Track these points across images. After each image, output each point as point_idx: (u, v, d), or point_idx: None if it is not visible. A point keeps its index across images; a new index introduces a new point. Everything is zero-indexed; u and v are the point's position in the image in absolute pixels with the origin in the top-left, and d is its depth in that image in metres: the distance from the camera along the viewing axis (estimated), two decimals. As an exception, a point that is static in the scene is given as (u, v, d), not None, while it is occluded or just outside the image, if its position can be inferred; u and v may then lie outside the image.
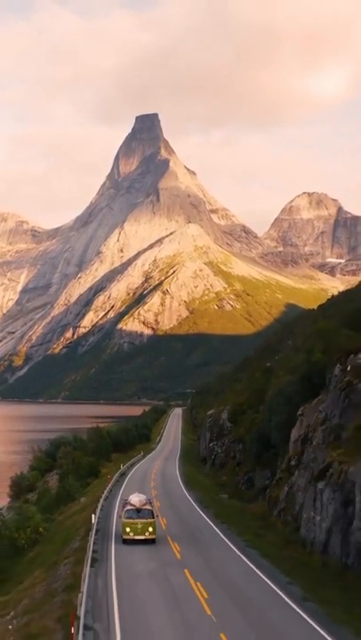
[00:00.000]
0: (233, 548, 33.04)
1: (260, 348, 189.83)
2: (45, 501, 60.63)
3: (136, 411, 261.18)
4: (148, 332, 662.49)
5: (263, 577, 26.99)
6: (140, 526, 33.75)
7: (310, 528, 31.00)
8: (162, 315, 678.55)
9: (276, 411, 51.08)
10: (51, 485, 75.86)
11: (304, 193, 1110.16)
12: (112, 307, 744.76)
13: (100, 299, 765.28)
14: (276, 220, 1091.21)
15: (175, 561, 30.09)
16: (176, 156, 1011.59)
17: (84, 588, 22.90)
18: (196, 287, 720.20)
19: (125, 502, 35.85)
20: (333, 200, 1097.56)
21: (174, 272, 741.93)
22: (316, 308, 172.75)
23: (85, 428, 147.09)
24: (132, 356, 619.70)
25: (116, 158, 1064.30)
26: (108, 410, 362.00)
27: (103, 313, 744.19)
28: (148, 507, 34.82)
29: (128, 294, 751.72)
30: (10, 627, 22.66)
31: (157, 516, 36.14)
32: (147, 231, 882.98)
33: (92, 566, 27.58)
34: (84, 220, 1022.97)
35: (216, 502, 50.42)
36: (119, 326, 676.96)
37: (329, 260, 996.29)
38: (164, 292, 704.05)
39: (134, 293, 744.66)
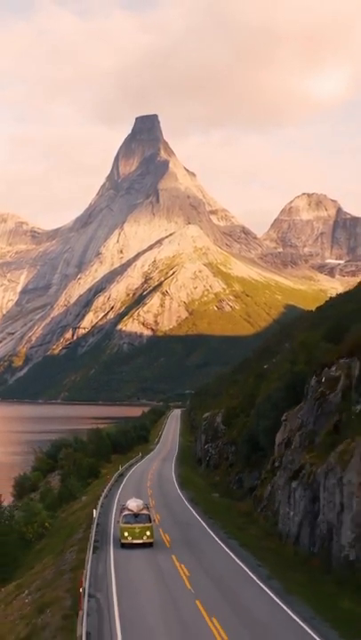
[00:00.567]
0: (216, 538, 37.58)
1: (258, 349, 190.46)
2: (49, 500, 64.59)
3: (135, 411, 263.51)
4: (147, 332, 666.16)
5: (238, 561, 31.75)
6: (137, 531, 34.88)
7: (286, 522, 35.14)
8: (161, 316, 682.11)
9: (264, 415, 54.68)
10: (53, 485, 79.46)
11: (304, 194, 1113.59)
12: (112, 307, 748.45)
13: (100, 300, 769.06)
14: (275, 220, 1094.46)
15: (165, 548, 34.69)
16: (176, 157, 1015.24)
17: (88, 567, 27.89)
18: (195, 288, 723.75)
19: (123, 507, 36.81)
20: (333, 201, 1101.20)
21: (174, 273, 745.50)
22: (314, 309, 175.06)
23: (85, 429, 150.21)
24: (131, 356, 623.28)
25: (116, 159, 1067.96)
26: (107, 411, 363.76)
27: (103, 314, 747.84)
28: (145, 511, 35.91)
29: (128, 295, 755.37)
30: (26, 600, 27.11)
31: (154, 520, 37.47)
32: (146, 232, 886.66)
33: (93, 552, 32.32)
34: (84, 220, 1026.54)
35: (207, 501, 54.50)
36: (119, 327, 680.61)
37: (328, 260, 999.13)
38: (163, 293, 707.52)
39: (134, 294, 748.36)
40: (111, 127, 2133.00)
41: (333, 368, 38.90)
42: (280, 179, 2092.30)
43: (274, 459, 47.51)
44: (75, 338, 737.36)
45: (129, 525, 35.09)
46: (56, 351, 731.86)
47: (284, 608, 24.04)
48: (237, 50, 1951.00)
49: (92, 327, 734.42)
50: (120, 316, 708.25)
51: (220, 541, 36.69)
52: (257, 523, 41.35)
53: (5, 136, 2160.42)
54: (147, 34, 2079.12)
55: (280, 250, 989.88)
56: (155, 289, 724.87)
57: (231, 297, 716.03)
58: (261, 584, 27.43)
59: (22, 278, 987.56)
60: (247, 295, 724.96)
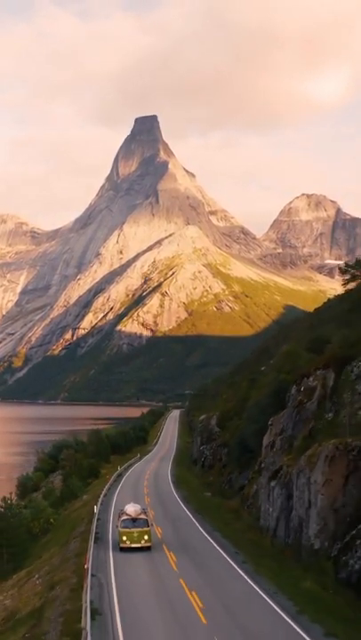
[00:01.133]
0: (202, 531, 42.39)
1: (257, 350, 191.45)
2: (52, 499, 68.78)
3: (135, 412, 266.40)
4: (147, 333, 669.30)
5: (218, 549, 36.77)
6: (136, 535, 36.24)
7: (266, 517, 39.31)
8: (161, 316, 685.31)
9: (254, 419, 58.58)
10: (55, 485, 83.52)
11: (303, 194, 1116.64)
12: (111, 308, 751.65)
13: (100, 300, 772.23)
14: (274, 221, 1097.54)
15: (156, 539, 39.15)
16: (175, 158, 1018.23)
17: (90, 552, 33.00)
18: (194, 289, 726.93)
19: (121, 512, 38.29)
20: (332, 202, 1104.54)
21: (173, 274, 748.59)
22: (313, 310, 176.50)
23: (85, 430, 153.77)
24: (131, 357, 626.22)
25: (116, 160, 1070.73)
26: (107, 411, 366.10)
27: (102, 314, 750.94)
28: (143, 516, 37.36)
29: (127, 296, 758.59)
30: (37, 582, 31.53)
31: (152, 524, 39.26)
32: (146, 233, 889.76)
33: (95, 542, 36.97)
34: (84, 221, 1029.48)
35: (199, 499, 58.78)
36: (118, 328, 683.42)
37: (328, 261, 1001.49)
38: (162, 294, 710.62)
39: (133, 295, 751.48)
40: (111, 128, 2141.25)
41: (311, 378, 43.00)
42: (279, 179, 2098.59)
43: (261, 460, 51.55)
44: (74, 338, 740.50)
45: (127, 530, 36.43)
46: (56, 352, 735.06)
47: (253, 585, 28.86)
48: (237, 51, 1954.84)
49: (92, 328, 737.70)
50: (119, 317, 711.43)
51: (205, 533, 41.27)
52: (242, 518, 45.51)
53: (6, 138, 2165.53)
54: (147, 35, 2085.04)
55: (279, 250, 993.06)
56: (154, 290, 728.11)
57: (230, 297, 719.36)
58: (236, 567, 32.32)
59: (22, 279, 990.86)
60: (246, 296, 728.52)
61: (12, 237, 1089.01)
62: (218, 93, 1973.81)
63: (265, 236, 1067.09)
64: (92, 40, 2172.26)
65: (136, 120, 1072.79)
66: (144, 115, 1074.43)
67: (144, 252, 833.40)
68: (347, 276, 68.80)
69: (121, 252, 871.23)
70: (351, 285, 69.98)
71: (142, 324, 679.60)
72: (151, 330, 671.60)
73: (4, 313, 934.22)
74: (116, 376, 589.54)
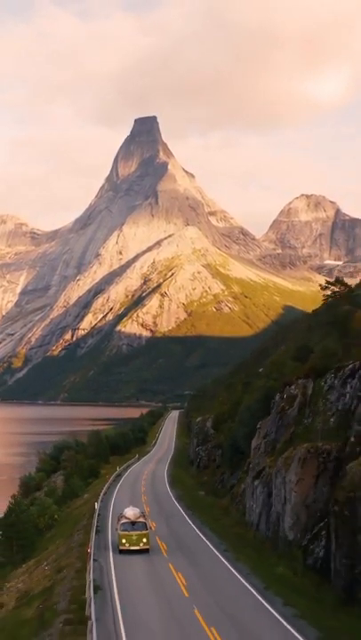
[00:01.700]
0: (192, 525, 46.98)
1: (256, 351, 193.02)
2: (54, 498, 72.88)
3: (135, 413, 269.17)
4: (146, 334, 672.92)
5: (205, 539, 41.54)
6: (134, 538, 37.57)
7: (250, 513, 43.47)
8: (160, 317, 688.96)
9: (245, 423, 62.59)
10: (57, 485, 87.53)
11: (302, 195, 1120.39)
12: (111, 309, 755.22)
13: (99, 301, 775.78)
14: (274, 222, 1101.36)
15: (150, 532, 43.05)
16: (175, 159, 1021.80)
17: (92, 541, 37.92)
18: (194, 289, 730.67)
19: (121, 516, 39.55)
20: (332, 202, 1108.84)
21: (173, 274, 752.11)
22: (312, 312, 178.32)
23: (85, 431, 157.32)
24: (130, 357, 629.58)
25: (115, 161, 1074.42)
26: (106, 412, 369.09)
27: (102, 315, 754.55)
28: (141, 519, 38.64)
29: (127, 296, 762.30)
30: (46, 568, 35.98)
31: (150, 528, 40.83)
32: (145, 234, 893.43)
33: (96, 534, 41.52)
34: (83, 222, 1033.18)
35: (192, 497, 63.08)
36: (118, 328, 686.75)
37: (327, 262, 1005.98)
38: (162, 295, 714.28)
39: (133, 295, 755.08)
40: (111, 128, 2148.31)
41: (293, 387, 47.08)
42: (279, 180, 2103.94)
43: (249, 461, 55.63)
44: (74, 339, 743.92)
45: (126, 533, 37.72)
46: (55, 352, 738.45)
47: (230, 567, 33.73)
48: (237, 51, 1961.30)
49: (92, 328, 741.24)
50: (119, 318, 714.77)
51: (195, 527, 45.72)
52: (230, 515, 49.71)
53: (6, 138, 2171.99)
54: (147, 35, 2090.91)
55: (279, 251, 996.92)
56: (154, 290, 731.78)
57: (230, 298, 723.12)
58: (218, 554, 37.06)
59: (22, 279, 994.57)
60: (246, 296, 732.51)
61: (12, 238, 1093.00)
62: (218, 93, 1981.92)
63: (264, 236, 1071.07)
64: (92, 40, 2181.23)
65: (136, 121, 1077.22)
66: (144, 115, 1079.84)
67: (143, 252, 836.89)
68: (327, 292, 72.48)
69: (120, 253, 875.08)
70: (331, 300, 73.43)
71: (142, 325, 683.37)
72: (151, 330, 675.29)
73: (3, 313, 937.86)
74: (116, 376, 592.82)
